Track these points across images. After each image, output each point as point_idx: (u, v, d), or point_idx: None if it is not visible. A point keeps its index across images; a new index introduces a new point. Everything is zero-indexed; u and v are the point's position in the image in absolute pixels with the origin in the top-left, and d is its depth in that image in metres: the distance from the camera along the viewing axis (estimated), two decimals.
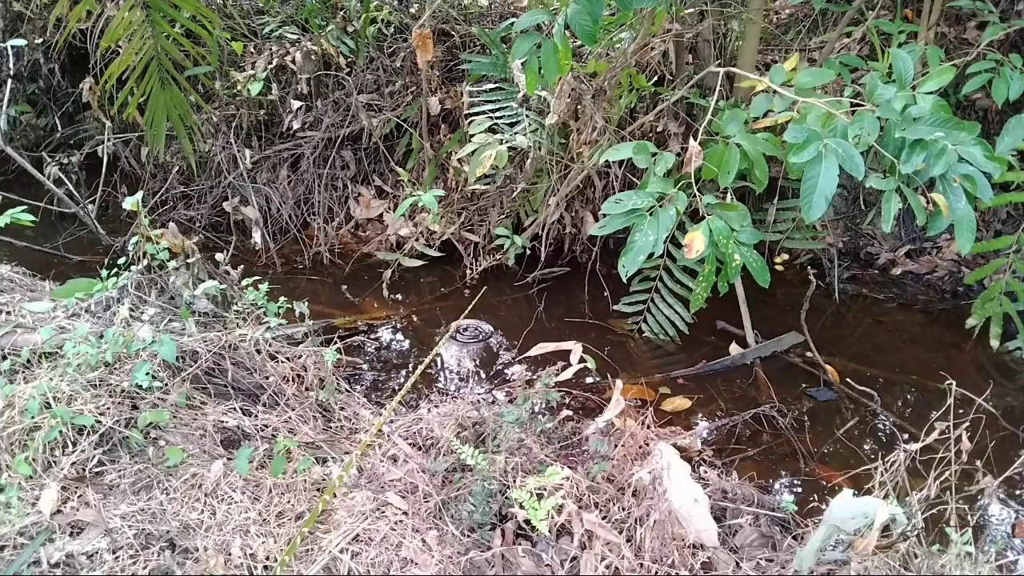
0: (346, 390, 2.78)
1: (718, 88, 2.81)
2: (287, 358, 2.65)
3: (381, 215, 4.22)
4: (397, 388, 2.94)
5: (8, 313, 2.60)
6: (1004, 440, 2.68)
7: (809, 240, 3.68)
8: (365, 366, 3.15)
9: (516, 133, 3.65)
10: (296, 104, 4.21)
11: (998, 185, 3.09)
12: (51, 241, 4.08)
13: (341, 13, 4.42)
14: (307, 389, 2.59)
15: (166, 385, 2.33)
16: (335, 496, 2.10)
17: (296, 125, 4.21)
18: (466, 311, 3.48)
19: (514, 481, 2.10)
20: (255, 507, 2.04)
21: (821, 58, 3.39)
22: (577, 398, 2.87)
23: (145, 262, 2.76)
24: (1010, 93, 3.00)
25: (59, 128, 4.90)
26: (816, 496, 2.38)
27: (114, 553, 1.86)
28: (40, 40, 4.71)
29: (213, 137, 4.27)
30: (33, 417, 2.07)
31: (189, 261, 2.86)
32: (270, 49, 4.25)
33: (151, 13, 3.04)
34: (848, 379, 2.98)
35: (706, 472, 2.37)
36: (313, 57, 4.19)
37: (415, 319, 3.56)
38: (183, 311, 2.63)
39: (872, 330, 3.51)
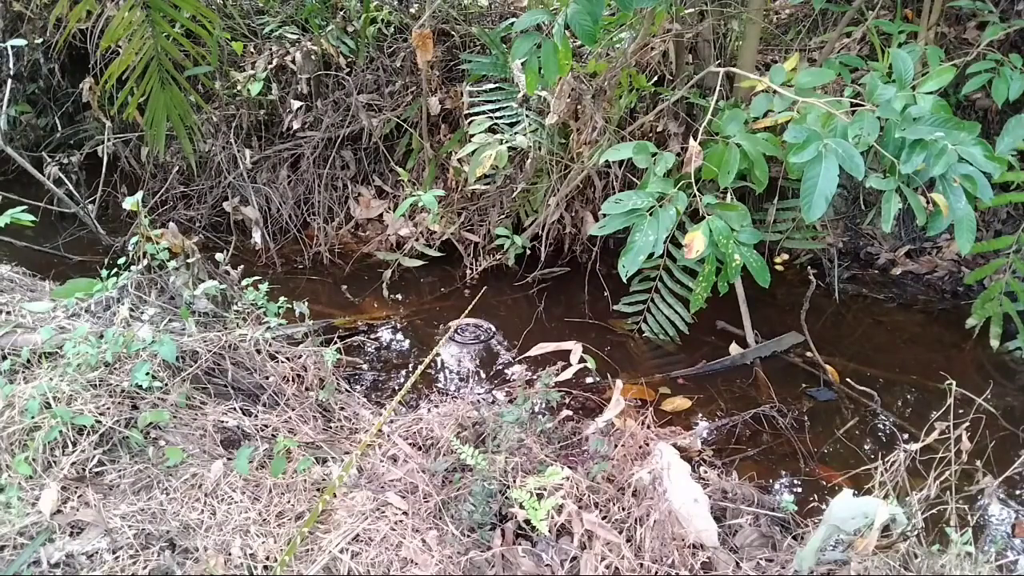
0: (346, 390, 2.78)
1: (718, 88, 2.81)
2: (287, 358, 2.65)
3: (381, 215, 4.22)
4: (397, 388, 2.94)
5: (8, 313, 2.60)
6: (1004, 440, 2.68)
7: (809, 240, 3.68)
8: (365, 366, 3.15)
9: (516, 133, 3.65)
10: (296, 104, 4.21)
11: (998, 185, 3.09)
12: (51, 241, 4.08)
13: (341, 13, 4.42)
14: (307, 389, 2.59)
15: (166, 385, 2.33)
16: (335, 496, 2.10)
17: (296, 125, 4.21)
18: (466, 311, 3.48)
19: (514, 481, 2.10)
20: (255, 507, 2.04)
21: (821, 58, 3.40)
22: (577, 398, 2.87)
23: (145, 262, 2.76)
24: (1010, 93, 3.00)
25: (59, 128, 4.90)
26: (816, 496, 2.38)
27: (114, 553, 1.86)
28: (40, 40, 4.71)
29: (213, 137, 4.27)
30: (33, 417, 2.07)
31: (189, 261, 2.86)
32: (270, 49, 4.25)
33: (151, 13, 3.04)
34: (848, 379, 2.98)
35: (706, 472, 2.37)
36: (313, 57, 4.19)
37: (415, 319, 3.56)
38: (183, 311, 2.63)
39: (872, 330, 3.51)
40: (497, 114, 3.80)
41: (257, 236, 4.13)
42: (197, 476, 2.10)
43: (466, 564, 1.91)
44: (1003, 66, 3.06)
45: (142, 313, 2.60)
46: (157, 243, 2.74)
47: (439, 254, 3.94)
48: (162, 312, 2.67)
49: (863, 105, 2.50)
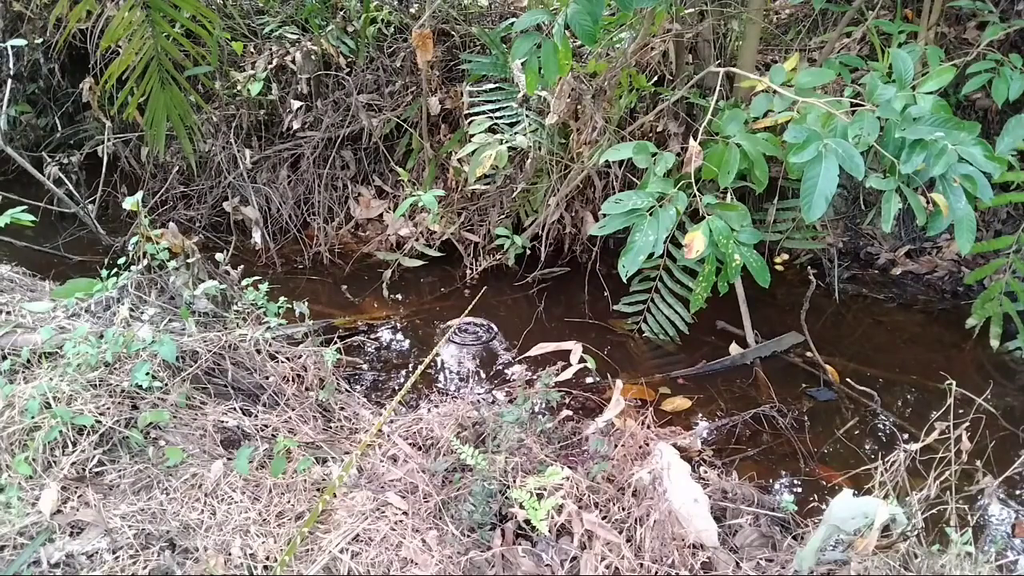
0: (346, 390, 2.78)
1: (718, 88, 2.81)
2: (287, 358, 2.65)
3: (381, 215, 4.22)
4: (397, 388, 2.94)
5: (8, 313, 2.60)
6: (1004, 440, 2.68)
7: (809, 240, 3.68)
8: (365, 366, 3.15)
9: (516, 133, 3.65)
10: (296, 104, 4.21)
11: (998, 185, 3.09)
12: (51, 241, 4.08)
13: (341, 13, 4.42)
14: (307, 389, 2.59)
15: (166, 385, 2.33)
16: (335, 496, 2.10)
17: (296, 125, 4.21)
18: (466, 311, 3.48)
19: (514, 481, 2.10)
20: (255, 507, 2.04)
21: (821, 58, 3.40)
22: (577, 398, 2.87)
23: (145, 262, 2.76)
24: (1010, 93, 3.00)
25: (59, 128, 4.90)
26: (816, 496, 2.38)
27: (114, 553, 1.86)
28: (40, 40, 4.71)
29: (213, 137, 4.27)
30: (33, 417, 2.07)
31: (189, 261, 2.86)
32: (270, 49, 4.25)
33: (151, 13, 3.04)
34: (848, 379, 2.98)
35: (706, 472, 2.37)
36: (313, 57, 4.19)
37: (415, 319, 3.56)
38: (183, 311, 2.63)
39: (872, 330, 3.51)
40: (497, 114, 3.80)
41: (257, 236, 4.13)
42: (197, 476, 2.10)
43: (466, 564, 1.91)
44: (1003, 66, 3.06)
45: (142, 313, 2.60)
46: (157, 243, 2.74)
47: (439, 254, 3.94)
48: (162, 312, 2.67)
49: (863, 105, 2.50)
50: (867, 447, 2.70)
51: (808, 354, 3.14)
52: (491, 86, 3.92)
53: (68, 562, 1.83)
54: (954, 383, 2.00)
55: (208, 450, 2.24)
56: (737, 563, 1.99)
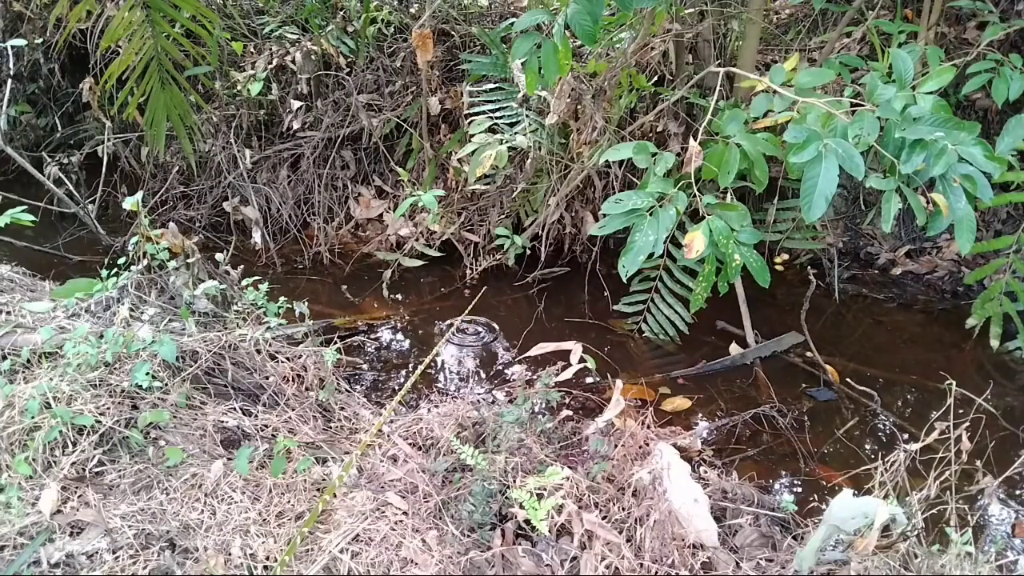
0: (346, 390, 2.78)
1: (718, 88, 2.81)
2: (287, 358, 2.65)
3: (381, 215, 4.22)
4: (397, 388, 2.94)
5: (8, 313, 2.60)
6: (1004, 440, 2.68)
7: (809, 240, 3.68)
8: (365, 366, 3.15)
9: (516, 133, 3.65)
10: (296, 104, 4.21)
11: (998, 185, 3.09)
12: (51, 241, 4.08)
13: (341, 13, 4.42)
14: (307, 389, 2.59)
15: (166, 385, 2.33)
16: (335, 496, 2.10)
17: (296, 125, 4.21)
18: (466, 311, 3.48)
19: (514, 481, 2.10)
20: (255, 507, 2.04)
21: (821, 58, 3.40)
22: (577, 398, 2.87)
23: (145, 262, 2.76)
24: (1010, 93, 3.00)
25: (59, 128, 4.90)
26: (816, 496, 2.38)
27: (114, 553, 1.86)
28: (40, 40, 4.71)
29: (213, 137, 4.27)
30: (33, 417, 2.07)
31: (189, 261, 2.86)
32: (270, 49, 4.25)
33: (151, 13, 3.04)
34: (848, 379, 2.98)
35: (706, 472, 2.37)
36: (313, 57, 4.19)
37: (415, 319, 3.56)
38: (183, 311, 2.63)
39: (872, 330, 3.51)
40: (497, 114, 3.80)
41: (257, 236, 4.13)
42: (197, 476, 2.10)
43: (466, 564, 1.91)
44: (1003, 66, 3.06)
45: (142, 313, 2.60)
46: (157, 243, 2.74)
47: (439, 254, 3.94)
48: (162, 312, 2.67)
49: (863, 105, 2.50)
50: (867, 447, 2.70)
51: (808, 354, 3.14)
52: (491, 86, 3.92)
53: (68, 562, 1.83)
54: (954, 383, 2.00)
55: (208, 450, 2.24)
56: (737, 563, 1.99)
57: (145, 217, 2.73)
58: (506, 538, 1.99)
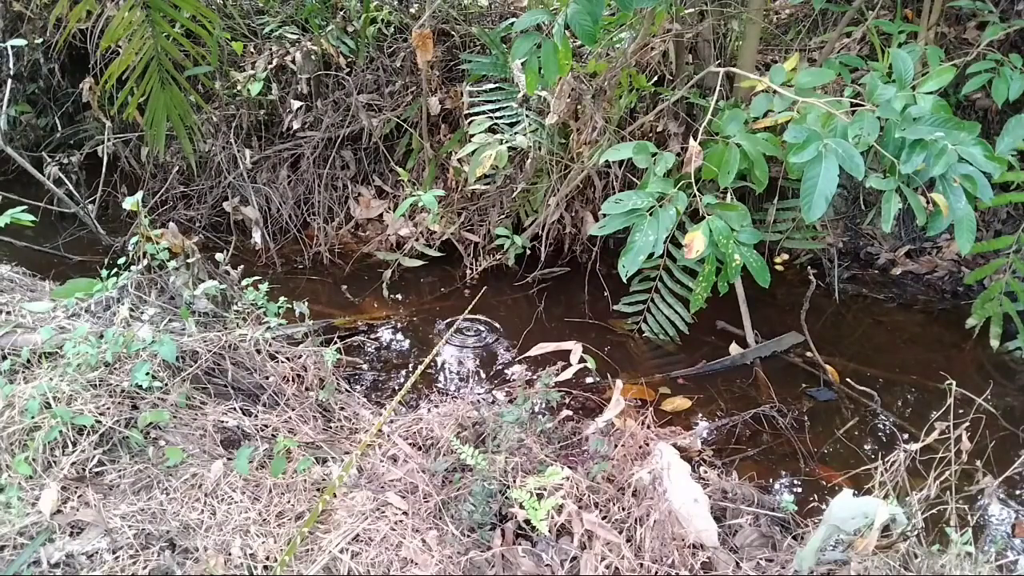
0: (346, 390, 2.78)
1: (718, 88, 2.81)
2: (287, 358, 2.65)
3: (381, 215, 4.22)
4: (397, 388, 2.94)
5: (8, 313, 2.60)
6: (1004, 440, 2.68)
7: (809, 240, 3.68)
8: (365, 366, 3.15)
9: (516, 133, 3.65)
10: (296, 104, 4.21)
11: (998, 185, 3.09)
12: (51, 241, 4.08)
13: (341, 13, 4.42)
14: (307, 389, 2.59)
15: (166, 385, 2.33)
16: (335, 496, 2.10)
17: (296, 125, 4.21)
18: (466, 311, 3.48)
19: (514, 481, 2.10)
20: (255, 507, 2.04)
21: (821, 58, 3.40)
22: (577, 398, 2.87)
23: (145, 262, 2.76)
24: (1010, 93, 3.01)
25: (59, 128, 4.90)
26: (816, 496, 2.38)
27: (114, 553, 1.86)
28: (40, 40, 4.71)
29: (213, 137, 4.27)
30: (33, 417, 2.07)
31: (189, 261, 2.86)
32: (270, 49, 4.25)
33: (151, 13, 3.04)
34: (848, 379, 2.98)
35: (706, 472, 2.37)
36: (313, 57, 4.19)
37: (415, 319, 3.56)
38: (183, 311, 2.63)
39: (872, 330, 3.51)
40: (497, 114, 3.80)
41: (257, 236, 4.13)
42: (197, 476, 2.10)
43: (466, 564, 1.91)
44: (1003, 66, 3.06)
45: (142, 313, 2.60)
46: (157, 243, 2.74)
47: (439, 254, 3.94)
48: (162, 312, 2.67)
49: (863, 105, 2.50)
50: (867, 447, 2.70)
51: (808, 354, 3.14)
52: (491, 86, 3.92)
53: (68, 562, 1.83)
54: (954, 383, 2.00)
55: (208, 450, 2.24)
56: (737, 563, 1.99)
57: (145, 217, 2.73)
58: (506, 538, 1.99)
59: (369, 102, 4.24)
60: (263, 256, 4.10)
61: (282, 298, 2.78)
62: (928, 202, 2.38)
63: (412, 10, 4.50)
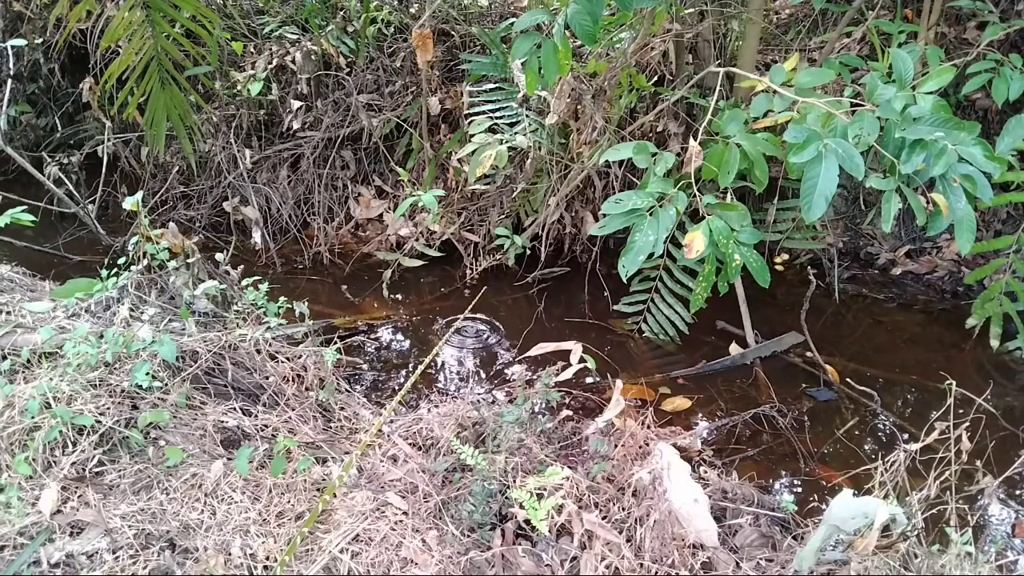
0: (346, 390, 2.78)
1: (718, 88, 2.81)
2: (287, 358, 2.65)
3: (381, 215, 4.22)
4: (397, 388, 2.94)
5: (8, 313, 2.60)
6: (1004, 440, 2.68)
7: (809, 240, 3.68)
8: (365, 366, 3.15)
9: (516, 133, 3.65)
10: (296, 104, 4.20)
11: (998, 185, 3.09)
12: (51, 241, 4.08)
13: (341, 13, 4.42)
14: (307, 389, 2.59)
15: (166, 385, 2.33)
16: (335, 496, 2.10)
17: (296, 125, 4.21)
18: (466, 311, 3.48)
19: (514, 481, 2.10)
20: (255, 507, 2.04)
21: (821, 58, 3.40)
22: (577, 398, 2.87)
23: (145, 262, 2.76)
24: (1010, 93, 3.00)
25: (59, 128, 4.90)
26: (816, 496, 2.38)
27: (114, 553, 1.86)
28: (40, 40, 4.71)
29: (213, 137, 4.27)
30: (33, 417, 2.07)
31: (189, 261, 2.86)
32: (270, 49, 4.25)
33: (151, 13, 3.04)
34: (848, 379, 2.98)
35: (706, 472, 2.37)
36: (313, 57, 4.19)
37: (415, 319, 3.56)
38: (183, 311, 2.63)
39: (872, 330, 3.51)
40: (497, 114, 3.79)
41: (257, 236, 4.13)
42: (197, 476, 2.10)
43: (466, 564, 1.91)
44: (1003, 66, 3.06)
45: (142, 313, 2.60)
46: (157, 243, 2.74)
47: (439, 254, 3.94)
48: (162, 312, 2.67)
49: (863, 105, 2.50)
50: (867, 447, 2.70)
51: (808, 354, 3.14)
52: (491, 86, 3.92)
53: (68, 562, 1.83)
54: (954, 383, 2.00)
55: (208, 450, 2.24)
56: (737, 563, 1.99)
57: (145, 217, 2.73)
58: (506, 538, 1.99)
59: (369, 102, 4.24)
60: (263, 256, 4.10)
61: (282, 298, 2.78)
62: (928, 202, 2.38)
63: (412, 10, 4.50)
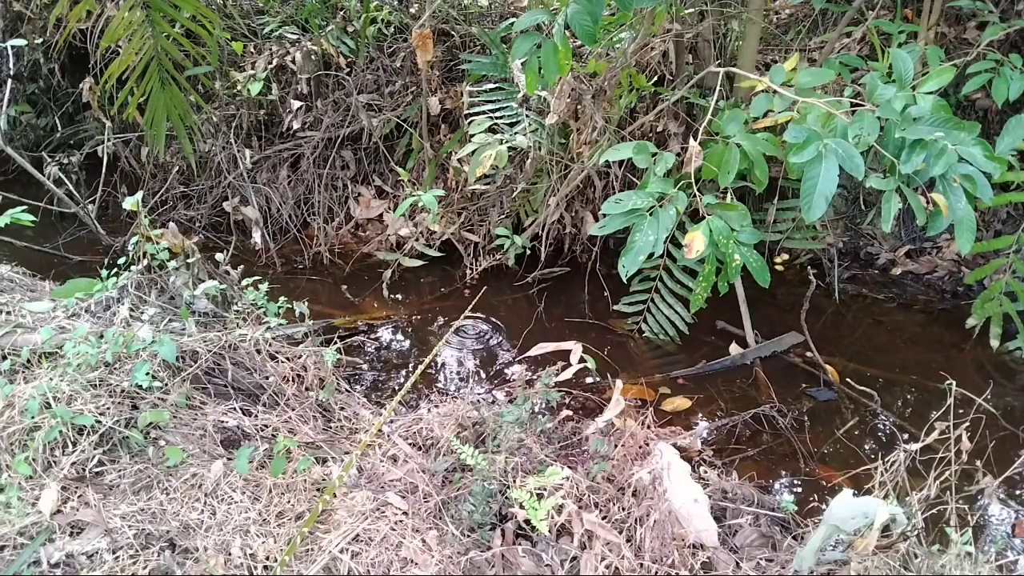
0: (346, 390, 2.78)
1: (718, 88, 2.81)
2: (287, 358, 2.65)
3: (381, 215, 4.22)
4: (397, 388, 2.94)
5: (8, 313, 2.60)
6: (1004, 440, 2.68)
7: (809, 240, 3.68)
8: (365, 366, 3.15)
9: (516, 133, 3.65)
10: (296, 104, 4.21)
11: (998, 185, 3.09)
12: (51, 241, 4.08)
13: (341, 13, 4.42)
14: (307, 389, 2.59)
15: (166, 385, 2.33)
16: (335, 496, 2.10)
17: (296, 125, 4.21)
18: (466, 311, 3.48)
19: (514, 481, 2.10)
20: (255, 507, 2.04)
21: (821, 58, 3.39)
22: (577, 398, 2.87)
23: (145, 262, 2.76)
24: (1010, 93, 3.00)
25: (59, 128, 4.90)
26: (816, 496, 2.38)
27: (114, 553, 1.86)
28: (40, 40, 4.71)
29: (213, 137, 4.27)
30: (33, 417, 2.07)
31: (189, 261, 2.86)
32: (270, 49, 4.25)
33: (151, 13, 3.04)
34: (848, 379, 2.98)
35: (706, 472, 2.37)
36: (313, 57, 4.19)
37: (415, 319, 3.56)
38: (183, 311, 2.63)
39: (872, 330, 3.51)
40: (497, 114, 3.79)
41: (257, 236, 4.13)
42: (197, 476, 2.10)
43: (466, 564, 1.91)
44: (1003, 66, 3.06)
45: (142, 313, 2.60)
46: (157, 243, 2.74)
47: (439, 254, 3.94)
48: (162, 312, 2.67)
49: (863, 105, 2.50)
50: (867, 447, 2.70)
51: (808, 354, 3.14)
52: (491, 86, 3.92)
53: (68, 562, 1.84)
54: (954, 383, 2.00)
55: (208, 450, 2.24)
56: (737, 563, 1.99)
57: (145, 217, 2.73)
58: (506, 538, 1.99)
59: (369, 102, 4.24)
60: (263, 256, 4.10)
61: (282, 298, 2.78)
62: (928, 202, 2.38)
63: (412, 10, 4.50)
